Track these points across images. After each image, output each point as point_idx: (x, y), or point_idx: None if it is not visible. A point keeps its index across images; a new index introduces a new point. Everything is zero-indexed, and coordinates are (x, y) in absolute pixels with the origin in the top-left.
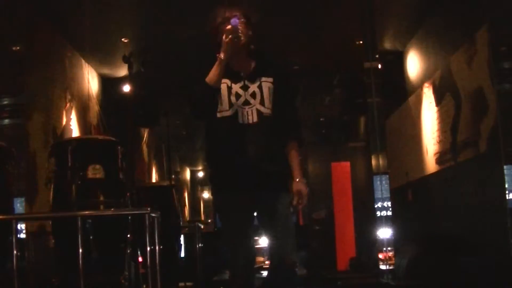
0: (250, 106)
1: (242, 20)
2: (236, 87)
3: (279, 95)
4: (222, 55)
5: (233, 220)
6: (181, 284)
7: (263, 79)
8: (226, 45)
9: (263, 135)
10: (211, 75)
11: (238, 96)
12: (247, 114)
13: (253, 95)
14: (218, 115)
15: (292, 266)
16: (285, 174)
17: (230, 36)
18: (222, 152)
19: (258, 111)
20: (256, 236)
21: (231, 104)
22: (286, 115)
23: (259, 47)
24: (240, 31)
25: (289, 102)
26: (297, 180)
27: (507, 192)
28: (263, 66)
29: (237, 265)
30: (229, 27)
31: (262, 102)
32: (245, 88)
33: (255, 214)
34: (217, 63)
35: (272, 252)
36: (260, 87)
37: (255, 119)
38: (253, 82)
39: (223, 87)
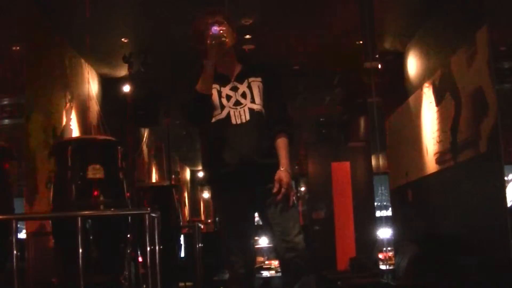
0: (241, 106)
1: (224, 23)
2: (225, 90)
3: (269, 93)
4: (208, 61)
5: (233, 220)
6: (181, 284)
7: (251, 79)
8: (210, 50)
9: (256, 131)
10: (201, 83)
11: (228, 97)
12: (240, 114)
13: (244, 95)
14: (212, 119)
15: (301, 251)
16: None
17: (213, 41)
18: (219, 154)
19: (250, 109)
20: (256, 236)
21: (222, 107)
22: (275, 112)
23: (259, 48)
24: (224, 34)
25: (278, 99)
26: (281, 169)
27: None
28: (250, 68)
29: (237, 266)
30: (211, 32)
31: (253, 100)
32: (234, 89)
33: (255, 214)
34: (204, 70)
35: (277, 242)
36: (249, 86)
37: (248, 117)
38: (241, 82)
39: (213, 92)
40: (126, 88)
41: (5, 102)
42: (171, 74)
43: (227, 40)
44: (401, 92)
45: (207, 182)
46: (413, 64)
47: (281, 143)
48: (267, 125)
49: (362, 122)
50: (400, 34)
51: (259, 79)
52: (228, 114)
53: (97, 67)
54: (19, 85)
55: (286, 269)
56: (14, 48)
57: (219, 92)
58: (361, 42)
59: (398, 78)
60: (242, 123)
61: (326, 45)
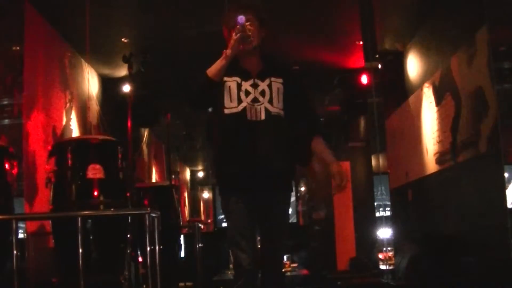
0: (258, 103)
1: (254, 21)
2: (246, 85)
3: (292, 96)
4: (228, 51)
5: (240, 217)
6: (181, 284)
7: (273, 79)
8: (233, 42)
9: (270, 133)
10: (213, 68)
11: (247, 93)
12: (256, 111)
13: (262, 93)
14: (227, 111)
15: (281, 268)
16: (290, 174)
17: (238, 34)
18: (230, 148)
19: (266, 109)
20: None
21: (240, 101)
22: (304, 114)
23: (267, 48)
24: (250, 32)
25: (304, 100)
26: (333, 162)
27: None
28: (273, 67)
29: (245, 262)
30: (238, 26)
31: (270, 101)
32: (254, 86)
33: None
34: (221, 57)
35: (263, 250)
36: (269, 86)
37: (263, 117)
38: (262, 80)
39: (233, 84)
40: (126, 88)
41: (5, 102)
42: (171, 74)
43: (252, 39)
44: (401, 92)
45: (215, 177)
46: (413, 64)
47: (320, 142)
48: (285, 130)
49: (362, 122)
50: (400, 34)
51: (280, 80)
52: (244, 109)
53: (97, 67)
54: (19, 85)
55: (263, 283)
56: (14, 48)
57: (239, 85)
58: (361, 42)
59: (398, 78)
60: (256, 121)
61: (326, 45)
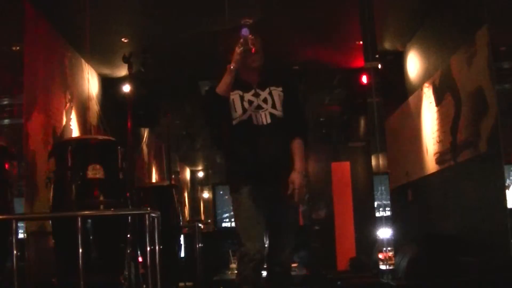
0: (263, 109)
1: (258, 41)
2: (248, 95)
3: (288, 101)
4: (232, 65)
5: (250, 209)
6: (181, 284)
7: (273, 88)
8: (237, 56)
9: (277, 135)
10: (221, 85)
11: (250, 102)
12: (261, 116)
13: (265, 100)
14: (235, 122)
15: (287, 267)
16: None
17: (241, 48)
18: (240, 152)
19: (271, 114)
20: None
21: (244, 110)
22: (293, 117)
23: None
24: (252, 46)
25: (296, 106)
26: (296, 170)
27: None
28: (272, 78)
29: (252, 252)
30: (242, 40)
31: (274, 106)
32: (256, 95)
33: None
34: (226, 73)
35: (270, 249)
36: (270, 94)
37: (269, 121)
38: (263, 90)
39: (236, 97)
40: (126, 88)
41: (5, 102)
42: (171, 74)
43: (254, 48)
44: (401, 92)
45: (226, 177)
46: (413, 64)
47: (297, 145)
48: (286, 131)
49: (362, 122)
50: (400, 34)
51: (280, 88)
52: (250, 116)
53: (97, 67)
54: (19, 85)
55: (270, 279)
56: (14, 48)
57: (242, 97)
58: (361, 42)
59: (398, 78)
60: (263, 125)
61: (326, 45)
